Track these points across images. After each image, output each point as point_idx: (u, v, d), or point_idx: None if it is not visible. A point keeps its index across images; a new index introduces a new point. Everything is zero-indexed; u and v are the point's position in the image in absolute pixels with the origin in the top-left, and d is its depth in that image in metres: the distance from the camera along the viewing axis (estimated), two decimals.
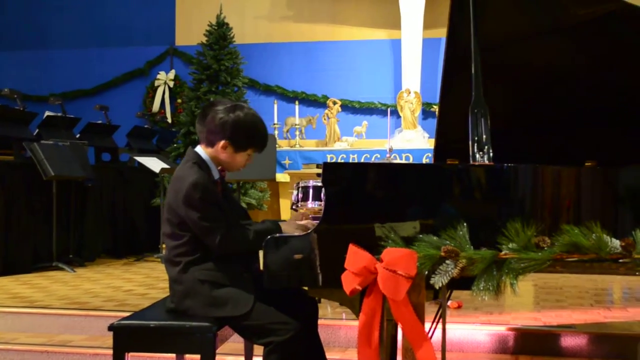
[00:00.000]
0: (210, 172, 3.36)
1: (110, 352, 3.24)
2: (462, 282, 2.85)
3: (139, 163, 9.33)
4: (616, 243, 2.77)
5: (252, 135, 3.40)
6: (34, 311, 5.47)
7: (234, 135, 3.34)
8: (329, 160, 10.13)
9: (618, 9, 3.63)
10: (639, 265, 2.75)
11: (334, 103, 11.55)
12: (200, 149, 3.41)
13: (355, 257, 2.84)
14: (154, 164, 9.16)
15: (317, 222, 3.13)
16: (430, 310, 3.70)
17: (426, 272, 2.81)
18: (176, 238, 3.31)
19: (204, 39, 10.55)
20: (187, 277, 3.27)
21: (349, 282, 2.85)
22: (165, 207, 3.38)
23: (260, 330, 3.21)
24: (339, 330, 4.87)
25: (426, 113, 11.68)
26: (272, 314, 3.21)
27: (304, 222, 3.42)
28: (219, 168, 3.46)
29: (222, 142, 3.35)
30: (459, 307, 5.42)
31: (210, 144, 3.39)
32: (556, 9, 3.78)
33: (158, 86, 12.92)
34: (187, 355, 3.76)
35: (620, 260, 2.77)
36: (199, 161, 3.35)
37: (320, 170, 3.18)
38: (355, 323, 2.97)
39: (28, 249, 7.98)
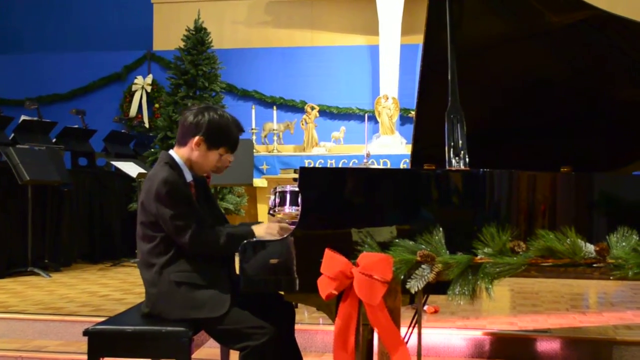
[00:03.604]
0: (182, 173, 3.37)
1: (85, 357, 3.22)
2: (438, 286, 2.87)
3: (116, 168, 9.28)
4: (590, 248, 2.79)
5: (225, 134, 3.43)
6: (9, 316, 5.42)
7: (208, 132, 3.38)
8: (306, 166, 10.12)
9: (592, 16, 3.66)
10: (612, 270, 2.78)
11: (312, 108, 11.55)
12: (172, 152, 3.44)
13: (332, 262, 2.84)
14: (131, 168, 9.12)
15: (293, 224, 3.14)
16: (407, 315, 3.71)
17: (402, 277, 2.82)
18: (149, 240, 3.30)
19: (181, 44, 10.52)
20: (163, 280, 3.26)
21: (325, 287, 2.85)
22: (138, 209, 3.38)
23: (235, 334, 3.20)
24: (316, 335, 4.87)
25: (404, 119, 11.70)
26: (247, 318, 3.21)
27: (276, 223, 3.42)
28: (206, 175, 3.50)
29: (196, 139, 3.37)
30: (436, 311, 5.43)
31: (183, 143, 3.42)
32: (531, 16, 3.80)
33: (135, 91, 12.84)
34: None
35: (595, 265, 2.80)
36: (170, 162, 3.37)
37: (297, 175, 3.18)
38: (332, 328, 2.96)
39: (3, 253, 7.90)
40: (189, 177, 3.41)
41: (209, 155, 3.43)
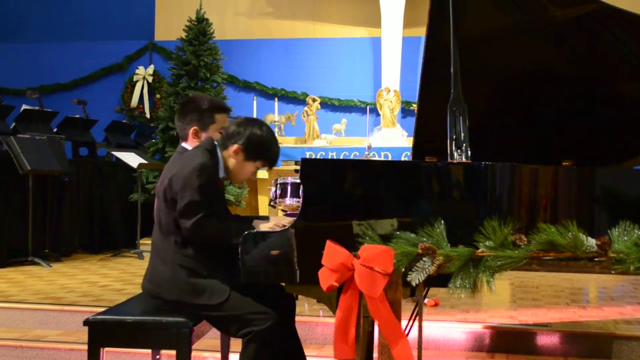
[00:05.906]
0: (217, 165, 3.41)
1: (86, 347, 3.23)
2: (439, 279, 2.86)
3: (117, 158, 9.27)
4: (592, 242, 2.79)
5: (265, 148, 3.45)
6: (9, 306, 5.42)
7: (249, 143, 3.40)
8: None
9: (596, 10, 3.65)
10: (614, 264, 2.77)
11: (314, 100, 11.53)
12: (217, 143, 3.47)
13: (333, 254, 2.84)
14: (132, 159, 9.10)
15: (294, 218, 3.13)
16: (407, 307, 3.71)
17: (403, 269, 2.81)
18: (168, 214, 3.34)
19: (183, 35, 10.49)
20: (169, 258, 3.30)
21: (326, 279, 2.84)
22: (164, 185, 3.37)
23: (238, 320, 3.21)
24: (316, 327, 4.87)
25: (405, 111, 11.68)
26: (249, 304, 3.22)
27: (275, 221, 3.41)
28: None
29: (235, 147, 3.41)
30: (436, 304, 5.43)
31: (224, 146, 3.44)
32: (535, 9, 3.79)
33: (137, 81, 12.83)
34: (163, 351, 3.75)
35: (596, 259, 2.79)
36: (212, 150, 3.41)
37: (298, 167, 3.17)
38: (332, 320, 2.96)
39: (3, 243, 7.90)
40: (221, 173, 3.44)
41: (245, 165, 3.46)
